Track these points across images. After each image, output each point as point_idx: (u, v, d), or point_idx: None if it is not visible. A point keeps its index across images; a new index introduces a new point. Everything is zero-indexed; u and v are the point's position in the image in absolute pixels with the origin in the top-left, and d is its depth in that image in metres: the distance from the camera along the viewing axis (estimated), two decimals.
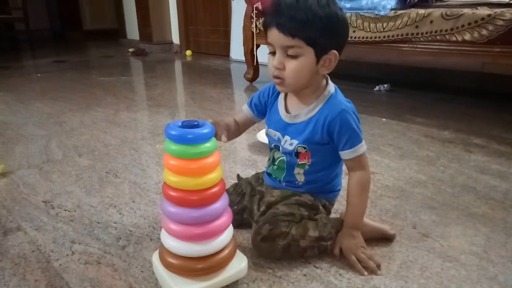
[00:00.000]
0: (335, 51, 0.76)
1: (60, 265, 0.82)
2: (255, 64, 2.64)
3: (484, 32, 1.58)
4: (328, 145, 0.82)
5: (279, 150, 0.88)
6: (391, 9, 1.87)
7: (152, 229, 0.96)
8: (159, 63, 3.84)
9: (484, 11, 1.58)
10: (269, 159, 0.93)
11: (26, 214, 1.03)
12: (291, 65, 0.76)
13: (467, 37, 1.63)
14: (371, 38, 1.95)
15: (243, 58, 2.74)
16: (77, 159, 1.40)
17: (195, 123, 0.67)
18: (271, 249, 0.80)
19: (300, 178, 0.86)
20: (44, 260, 0.84)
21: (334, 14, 0.73)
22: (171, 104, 2.24)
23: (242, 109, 0.95)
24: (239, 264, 0.74)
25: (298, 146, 0.83)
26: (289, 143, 0.84)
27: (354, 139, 0.79)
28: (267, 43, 0.78)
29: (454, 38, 1.67)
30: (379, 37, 1.92)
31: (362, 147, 0.80)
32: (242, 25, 2.62)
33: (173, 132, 0.65)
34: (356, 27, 1.99)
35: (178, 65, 3.85)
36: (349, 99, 0.83)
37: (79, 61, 4.04)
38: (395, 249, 0.86)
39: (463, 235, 0.91)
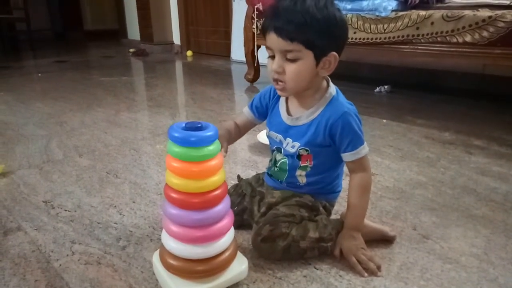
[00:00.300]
0: (334, 53, 0.76)
1: (60, 265, 0.82)
2: (255, 64, 2.64)
3: (485, 33, 1.58)
4: (330, 148, 0.82)
5: (281, 152, 0.88)
6: (392, 11, 1.87)
7: (152, 229, 0.96)
8: (159, 64, 3.85)
9: (485, 13, 1.58)
10: (270, 160, 0.93)
11: (26, 214, 1.03)
12: (291, 69, 0.75)
13: (468, 38, 1.62)
14: (371, 39, 1.95)
15: (244, 59, 2.74)
16: (78, 159, 1.40)
17: (199, 125, 0.66)
18: (271, 250, 0.80)
19: (302, 180, 0.86)
20: (44, 260, 0.84)
21: (332, 16, 0.73)
22: (171, 105, 2.24)
23: (243, 111, 0.95)
24: (240, 266, 0.74)
25: (300, 149, 0.83)
26: (291, 146, 0.84)
27: (356, 142, 0.79)
28: (266, 47, 0.78)
29: (454, 40, 1.67)
30: (380, 39, 1.92)
31: (364, 149, 0.80)
32: (243, 25, 2.62)
33: (176, 135, 0.64)
34: (357, 28, 1.99)
35: (178, 66, 3.85)
36: (350, 101, 0.83)
37: (80, 61, 4.05)
38: (395, 251, 0.86)
39: (463, 237, 0.91)
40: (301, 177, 0.86)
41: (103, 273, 0.80)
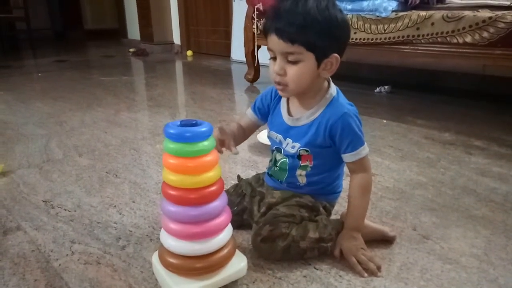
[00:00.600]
0: (336, 55, 0.76)
1: (60, 265, 0.82)
2: (256, 64, 2.64)
3: (485, 34, 1.58)
4: (330, 148, 0.82)
5: (281, 152, 0.88)
6: (392, 11, 1.87)
7: (152, 229, 0.95)
8: (159, 63, 3.85)
9: (485, 14, 1.58)
10: (270, 160, 0.93)
11: (26, 213, 1.03)
12: (292, 71, 0.75)
13: (468, 39, 1.62)
14: (372, 39, 1.95)
15: (244, 59, 2.74)
16: (77, 159, 1.40)
17: (194, 122, 0.67)
18: (271, 250, 0.80)
19: (302, 180, 0.86)
20: (44, 260, 0.84)
21: (334, 17, 0.73)
22: (171, 104, 2.24)
23: (246, 113, 0.95)
24: (239, 264, 0.74)
25: (300, 149, 0.83)
26: (291, 146, 0.84)
27: (356, 142, 0.79)
28: (268, 49, 0.78)
29: (455, 40, 1.67)
30: (380, 39, 1.92)
31: (364, 150, 0.80)
32: (243, 25, 2.62)
33: (171, 131, 0.65)
34: (357, 28, 1.99)
35: (178, 66, 3.85)
36: (351, 102, 0.83)
37: (79, 60, 4.05)
38: (395, 251, 0.86)
39: (463, 237, 0.91)
40: (301, 177, 0.86)
41: (102, 273, 0.80)
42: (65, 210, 1.05)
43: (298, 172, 0.86)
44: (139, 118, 1.93)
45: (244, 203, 0.93)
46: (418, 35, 1.78)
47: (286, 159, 0.86)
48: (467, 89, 2.39)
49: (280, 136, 0.86)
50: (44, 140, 1.60)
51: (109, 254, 0.86)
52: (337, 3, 0.77)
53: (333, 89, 0.83)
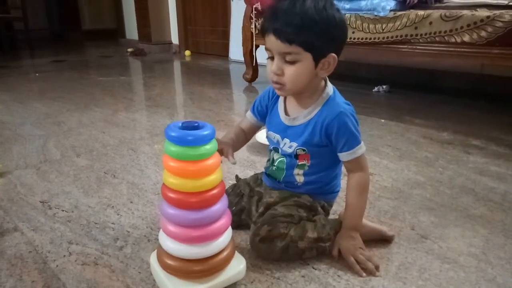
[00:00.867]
0: (333, 54, 0.76)
1: (57, 266, 0.82)
2: (254, 64, 2.63)
3: (483, 33, 1.58)
4: (327, 147, 0.82)
5: (278, 152, 0.87)
6: (391, 10, 1.87)
7: (150, 230, 0.95)
8: (158, 63, 3.84)
9: (483, 13, 1.58)
10: (268, 160, 0.93)
11: (23, 214, 1.03)
12: (290, 71, 0.75)
13: (466, 38, 1.63)
14: (370, 39, 1.95)
15: (242, 59, 2.74)
16: (75, 159, 1.40)
17: (195, 124, 0.66)
18: (269, 250, 0.80)
19: (300, 179, 0.86)
20: (41, 261, 0.84)
21: (331, 17, 0.73)
22: (169, 105, 2.24)
23: (246, 116, 0.95)
24: (238, 266, 0.74)
25: (297, 149, 0.83)
26: (288, 146, 0.84)
27: (352, 141, 0.79)
28: (265, 49, 0.78)
29: (453, 40, 1.67)
30: (378, 38, 1.92)
31: (361, 149, 0.80)
32: (241, 25, 2.62)
33: (173, 134, 0.64)
34: (355, 28, 1.99)
35: (177, 65, 3.84)
36: (348, 101, 0.83)
37: (77, 61, 4.04)
38: (393, 251, 0.86)
39: (461, 237, 0.91)
40: (299, 176, 0.86)
41: (100, 273, 0.79)
42: (63, 210, 1.05)
43: (296, 171, 0.86)
44: (137, 118, 1.93)
45: (242, 203, 0.92)
46: (416, 35, 1.78)
47: (284, 159, 0.86)
48: (465, 89, 2.39)
49: (278, 136, 0.86)
50: (41, 141, 1.59)
51: (107, 254, 0.86)
52: (335, 2, 0.77)
53: (330, 88, 0.83)
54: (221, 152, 0.80)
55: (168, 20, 4.59)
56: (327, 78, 0.84)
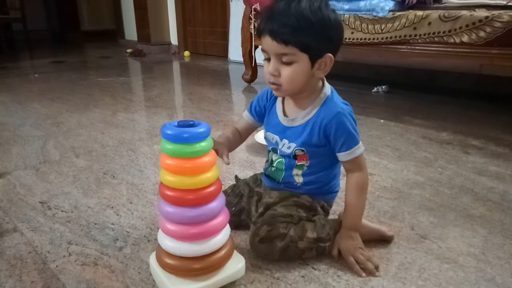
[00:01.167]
0: (330, 55, 0.76)
1: (57, 266, 0.82)
2: (253, 65, 2.64)
3: (481, 34, 1.58)
4: (325, 147, 0.82)
5: (277, 152, 0.87)
6: (389, 11, 1.87)
7: (150, 230, 0.95)
8: (157, 64, 3.84)
9: (482, 13, 1.59)
10: (267, 160, 0.93)
11: (23, 215, 1.03)
12: (286, 72, 0.76)
13: (465, 39, 1.63)
14: (369, 39, 1.96)
15: (241, 59, 2.74)
16: (74, 160, 1.40)
17: (191, 122, 0.67)
18: (269, 251, 0.80)
19: (299, 180, 0.86)
20: (41, 261, 0.84)
21: (327, 18, 0.73)
22: (169, 105, 2.24)
23: (243, 115, 0.95)
24: (237, 265, 0.74)
25: (296, 149, 0.83)
26: (287, 146, 0.84)
27: (350, 141, 0.79)
28: (262, 50, 0.78)
29: (452, 40, 1.67)
30: (377, 39, 1.92)
31: (359, 149, 0.80)
32: (240, 26, 2.62)
33: (168, 132, 0.65)
34: (354, 28, 1.99)
35: (176, 66, 3.84)
36: (346, 101, 0.83)
37: (77, 61, 4.04)
38: (393, 251, 0.86)
39: (461, 237, 0.91)
40: (298, 176, 0.86)
41: (100, 274, 0.79)
42: (62, 211, 1.04)
43: (295, 171, 0.86)
44: (136, 119, 1.93)
45: (242, 203, 0.92)
46: (415, 35, 1.78)
47: (282, 159, 0.86)
48: (464, 89, 2.39)
49: (276, 137, 0.86)
50: (41, 141, 1.59)
51: (106, 255, 0.85)
52: (335, 2, 0.77)
53: (328, 88, 0.83)
54: (215, 152, 0.80)
55: (167, 20, 4.59)
56: (325, 78, 0.84)
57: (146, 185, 1.19)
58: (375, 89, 2.43)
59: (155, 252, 0.76)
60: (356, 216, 0.83)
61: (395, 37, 1.85)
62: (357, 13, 1.99)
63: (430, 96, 2.31)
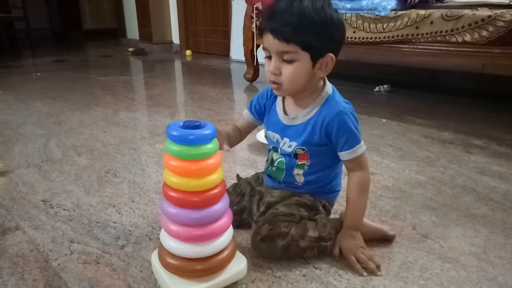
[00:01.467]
0: (331, 54, 0.76)
1: (59, 264, 0.82)
2: (255, 64, 2.63)
3: (484, 33, 1.57)
4: (326, 146, 0.82)
5: (277, 151, 0.87)
6: (391, 10, 1.87)
7: (151, 228, 0.95)
8: (158, 63, 3.84)
9: (484, 12, 1.58)
10: (267, 160, 0.92)
11: (25, 213, 1.03)
12: (287, 70, 0.75)
13: (467, 38, 1.62)
14: (371, 38, 1.95)
15: (243, 58, 2.74)
16: (76, 159, 1.40)
17: (197, 123, 0.66)
18: (270, 249, 0.80)
19: (300, 179, 0.86)
20: (43, 259, 0.84)
21: (329, 17, 0.73)
22: (170, 104, 2.24)
23: (243, 114, 0.95)
24: (239, 265, 0.74)
25: (297, 148, 0.83)
26: (288, 145, 0.84)
27: (352, 140, 0.79)
28: (263, 48, 0.78)
29: (454, 39, 1.67)
30: (379, 38, 1.92)
31: (361, 148, 0.80)
32: (242, 25, 2.62)
33: (174, 133, 0.64)
34: (356, 27, 1.99)
35: (178, 65, 3.84)
36: (347, 100, 0.83)
37: (78, 60, 4.04)
38: (394, 250, 0.86)
39: (462, 236, 0.90)
40: (299, 176, 0.86)
41: (101, 272, 0.80)
42: (64, 209, 1.05)
43: (296, 171, 0.86)
44: (138, 118, 1.93)
45: (244, 202, 0.93)
46: (418, 34, 1.78)
47: (283, 158, 0.86)
48: (467, 88, 2.39)
49: (277, 136, 0.86)
50: (43, 140, 1.59)
51: (108, 253, 0.86)
52: (337, 1, 0.77)
53: (329, 87, 0.83)
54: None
55: (169, 19, 4.59)
56: (326, 78, 0.83)
57: (148, 183, 1.19)
58: (377, 88, 2.43)
59: (157, 250, 0.76)
60: (358, 215, 0.83)
61: (397, 36, 1.85)
62: (359, 12, 1.98)
63: (432, 96, 2.31)
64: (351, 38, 2.01)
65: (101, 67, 3.61)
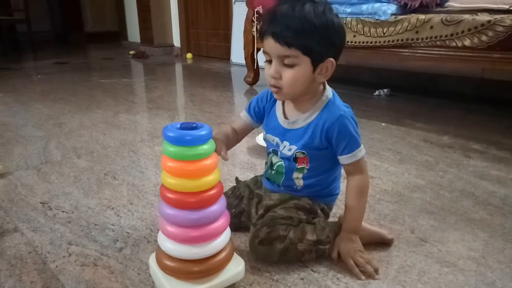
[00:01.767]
0: (331, 59, 0.76)
1: (57, 266, 0.82)
2: (255, 67, 2.64)
3: (483, 38, 1.58)
4: (326, 150, 0.82)
5: (277, 154, 0.87)
6: (392, 14, 1.87)
7: (150, 231, 0.95)
8: (159, 66, 3.85)
9: (484, 17, 1.59)
10: (266, 163, 0.92)
11: (24, 215, 1.03)
12: (288, 75, 0.75)
13: (467, 42, 1.63)
14: (371, 43, 1.96)
15: (244, 62, 2.75)
16: (76, 161, 1.40)
17: (194, 125, 0.67)
18: (268, 253, 0.80)
19: (299, 183, 0.86)
20: (41, 261, 0.84)
21: (330, 22, 0.73)
22: (170, 107, 2.25)
23: (240, 115, 0.94)
24: (236, 267, 0.74)
25: (297, 152, 0.83)
26: (288, 149, 0.84)
27: (352, 144, 0.79)
28: (264, 52, 0.78)
29: (454, 44, 1.67)
30: (379, 42, 1.93)
31: (361, 152, 0.80)
32: (243, 28, 2.63)
33: (171, 134, 0.65)
34: (357, 32, 1.99)
35: (178, 68, 3.85)
36: (347, 104, 0.83)
37: (80, 63, 4.05)
38: (393, 254, 0.85)
39: (461, 240, 0.90)
40: (298, 179, 0.86)
41: (99, 274, 0.79)
42: (63, 211, 1.05)
43: (295, 175, 0.86)
44: (138, 120, 1.93)
45: (242, 205, 0.92)
46: (417, 39, 1.78)
47: (282, 162, 0.86)
48: (466, 93, 2.39)
49: (277, 139, 0.86)
50: (42, 142, 1.60)
51: (106, 256, 0.86)
52: (338, 6, 0.77)
53: (329, 91, 0.83)
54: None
55: (170, 23, 4.61)
56: (326, 82, 0.84)
57: (147, 186, 1.20)
58: (377, 93, 2.43)
59: (154, 253, 0.76)
60: (356, 219, 0.83)
61: (397, 40, 1.85)
62: (360, 16, 1.99)
63: (431, 100, 2.31)
64: (351, 42, 2.01)
65: (102, 70, 3.62)
